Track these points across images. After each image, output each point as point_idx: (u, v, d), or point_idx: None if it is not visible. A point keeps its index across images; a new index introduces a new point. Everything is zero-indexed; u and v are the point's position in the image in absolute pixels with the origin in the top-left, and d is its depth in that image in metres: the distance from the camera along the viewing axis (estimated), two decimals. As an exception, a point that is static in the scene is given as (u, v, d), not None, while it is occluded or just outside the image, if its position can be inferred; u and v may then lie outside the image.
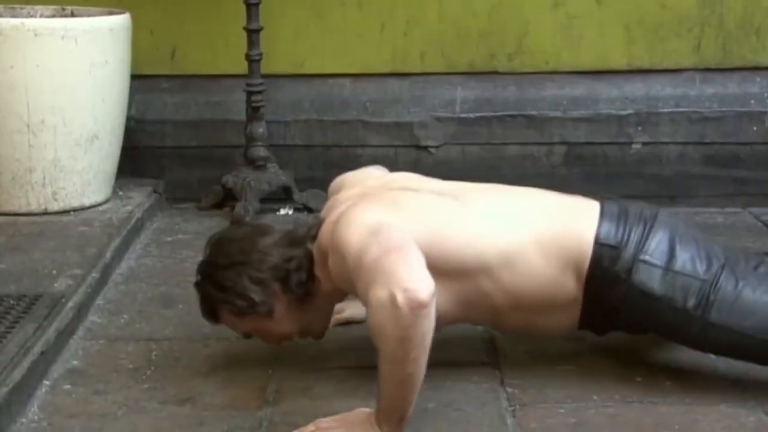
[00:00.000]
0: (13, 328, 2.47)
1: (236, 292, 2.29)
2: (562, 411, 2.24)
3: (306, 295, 2.32)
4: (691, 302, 2.22)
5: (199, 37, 3.88)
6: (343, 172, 2.62)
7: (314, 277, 2.33)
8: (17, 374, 2.23)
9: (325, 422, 2.14)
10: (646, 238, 2.26)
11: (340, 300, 2.46)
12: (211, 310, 2.37)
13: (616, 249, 2.25)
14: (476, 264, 2.24)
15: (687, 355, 2.49)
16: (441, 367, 2.32)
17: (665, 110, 3.87)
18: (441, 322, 2.13)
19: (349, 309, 2.73)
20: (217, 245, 2.38)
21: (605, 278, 2.25)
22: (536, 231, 2.27)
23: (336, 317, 2.71)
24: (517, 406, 2.27)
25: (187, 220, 3.71)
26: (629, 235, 2.26)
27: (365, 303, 2.10)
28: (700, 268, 2.24)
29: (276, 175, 3.75)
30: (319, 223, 2.37)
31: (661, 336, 2.37)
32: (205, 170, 3.89)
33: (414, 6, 3.87)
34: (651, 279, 2.23)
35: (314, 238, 2.33)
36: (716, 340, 2.24)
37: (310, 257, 2.32)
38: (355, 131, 3.90)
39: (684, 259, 2.24)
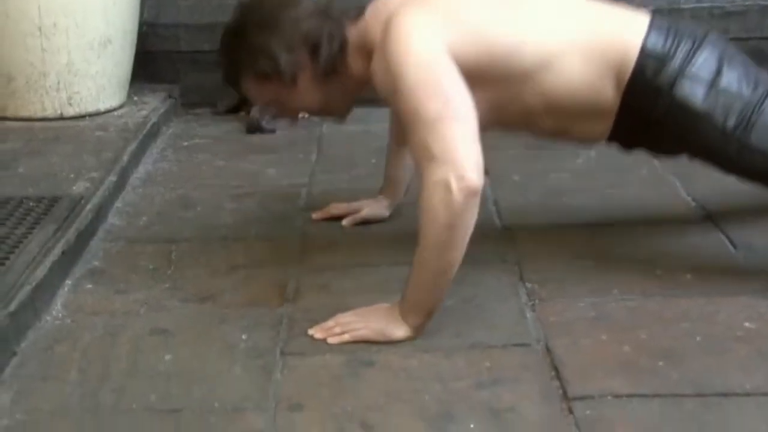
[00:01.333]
0: (33, 229, 2.48)
1: (263, 54, 2.21)
2: (582, 305, 2.24)
3: (333, 71, 2.26)
4: (731, 122, 2.17)
5: (211, -62, 3.82)
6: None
7: (345, 59, 2.26)
8: (40, 273, 2.24)
9: (345, 317, 2.15)
10: (694, 54, 2.20)
11: (367, 88, 2.33)
12: (233, 74, 2.31)
13: (662, 60, 2.20)
14: (519, 68, 2.19)
15: (707, 249, 2.49)
16: (461, 264, 2.32)
17: (687, 6, 3.80)
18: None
19: (367, 208, 2.73)
20: (247, 7, 2.29)
21: (646, 89, 2.20)
22: (582, 34, 2.22)
23: (353, 217, 2.72)
24: (537, 301, 2.27)
25: (203, 125, 3.70)
26: (677, 48, 2.20)
27: (413, 152, 2.07)
28: (746, 89, 2.19)
29: (291, 79, 3.71)
30: (360, 8, 2.27)
31: (693, 156, 2.30)
32: (220, 75, 3.85)
33: None
34: (694, 94, 2.18)
35: (353, 21, 2.25)
36: (750, 163, 2.20)
37: (344, 37, 2.25)
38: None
39: (730, 78, 2.19)
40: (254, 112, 3.62)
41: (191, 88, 3.88)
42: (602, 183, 3.00)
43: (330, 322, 2.15)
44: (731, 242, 2.53)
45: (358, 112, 3.76)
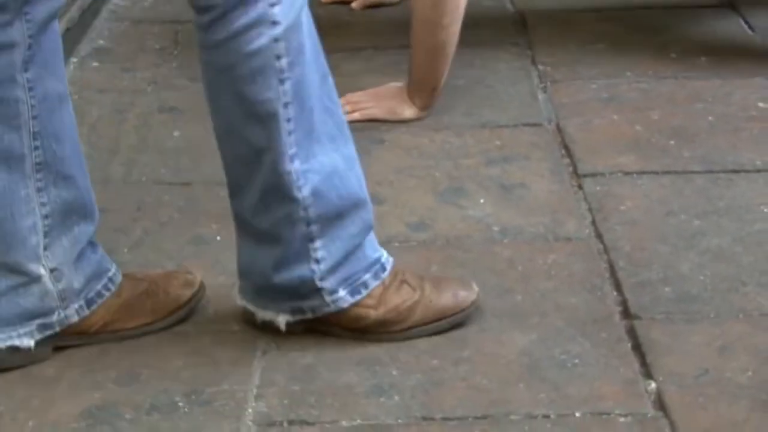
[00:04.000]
0: (36, 7, 2.43)
1: None
2: (594, 86, 2.21)
3: None
4: None
5: None
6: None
7: None
8: (44, 50, 2.21)
9: (355, 96, 2.13)
10: None
11: None
12: None
13: None
14: None
15: (724, 32, 2.44)
16: (471, 46, 2.29)
17: None
18: None
19: (379, -8, 2.67)
20: None
21: None
22: None
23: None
24: (549, 83, 2.24)
25: None
26: None
27: None
28: None
29: None
30: None
31: None
32: None
33: None
34: None
35: None
36: None
37: None
38: None
39: None
40: None
41: None
42: (618, -32, 2.92)
43: (340, 100, 2.13)
44: (749, 25, 2.48)
45: None
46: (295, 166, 1.38)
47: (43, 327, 1.43)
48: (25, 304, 1.41)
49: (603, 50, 2.38)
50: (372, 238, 1.48)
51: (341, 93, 2.13)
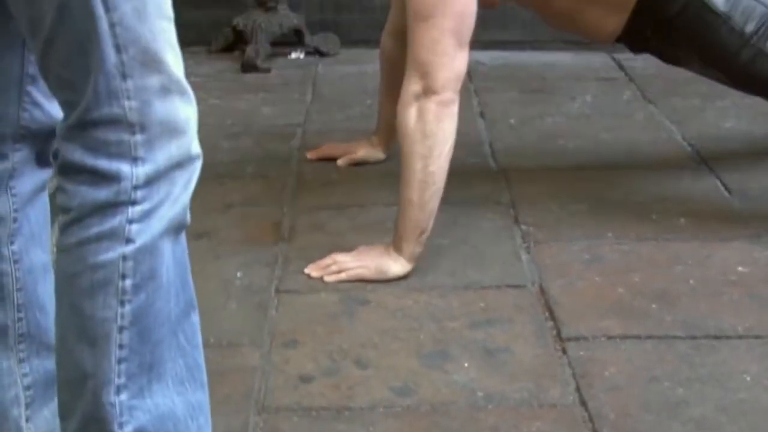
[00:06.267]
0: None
1: None
2: (577, 248, 2.25)
3: None
4: (750, 27, 2.19)
5: None
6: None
7: None
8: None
9: (341, 255, 2.15)
10: None
11: None
12: None
13: None
14: None
15: (702, 193, 2.49)
16: (455, 205, 2.33)
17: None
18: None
19: (362, 149, 2.72)
20: None
21: None
22: None
23: (349, 156, 2.71)
24: (532, 243, 2.28)
25: (198, 63, 3.68)
26: None
27: (409, 27, 2.07)
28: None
29: (287, 18, 3.69)
30: None
31: (702, 59, 2.31)
32: (216, 12, 3.82)
33: None
34: None
35: None
36: (761, 71, 2.22)
37: None
38: (368, -28, 3.82)
39: None
40: (249, 50, 3.59)
41: (186, 26, 3.81)
42: (598, 127, 3.00)
43: (326, 260, 2.16)
44: (726, 187, 2.54)
45: (351, 52, 3.76)
46: (120, 399, 1.22)
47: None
48: (5, 477, 1.38)
49: (584, 210, 2.43)
50: None
51: (327, 252, 2.19)
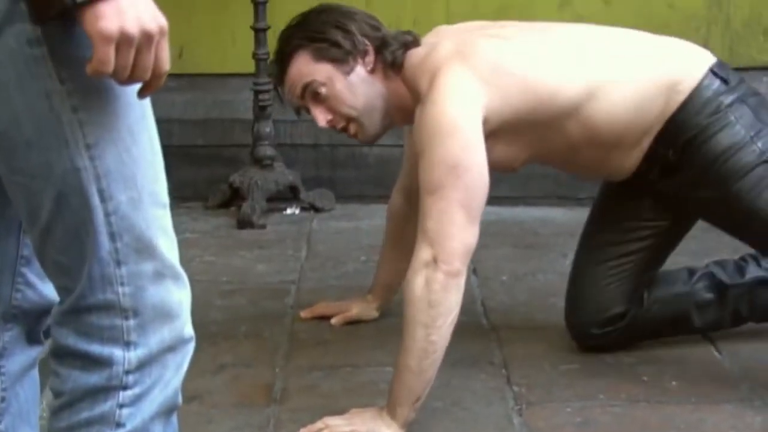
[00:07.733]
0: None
1: (338, 28, 2.29)
2: (569, 410, 2.25)
3: (392, 68, 2.30)
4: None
5: (206, 36, 3.89)
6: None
7: (400, 72, 2.31)
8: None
9: (333, 419, 2.14)
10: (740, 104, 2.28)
11: (398, 121, 2.40)
12: (291, 47, 2.31)
13: (726, 83, 2.27)
14: (567, 104, 2.24)
15: (693, 355, 2.50)
16: (447, 366, 2.32)
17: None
18: (517, 165, 2.33)
19: (356, 308, 2.73)
20: (321, 7, 2.38)
21: (704, 107, 2.25)
22: (635, 68, 2.30)
23: (343, 316, 2.72)
24: (524, 406, 2.28)
25: (195, 219, 3.72)
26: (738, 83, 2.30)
27: (420, 186, 2.12)
28: None
29: (283, 175, 3.76)
30: (414, 39, 2.34)
31: (707, 203, 2.32)
32: (213, 169, 3.90)
33: (421, 6, 3.88)
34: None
35: (405, 48, 2.32)
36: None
37: (403, 57, 2.31)
38: (362, 131, 3.91)
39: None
40: (245, 207, 3.65)
41: (183, 183, 3.90)
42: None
43: (318, 424, 2.15)
44: (716, 348, 2.54)
45: (347, 208, 3.82)
46: None
47: None
48: None
49: (576, 370, 2.43)
50: None
51: (319, 414, 2.18)
